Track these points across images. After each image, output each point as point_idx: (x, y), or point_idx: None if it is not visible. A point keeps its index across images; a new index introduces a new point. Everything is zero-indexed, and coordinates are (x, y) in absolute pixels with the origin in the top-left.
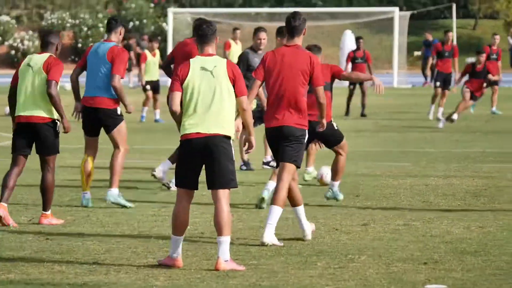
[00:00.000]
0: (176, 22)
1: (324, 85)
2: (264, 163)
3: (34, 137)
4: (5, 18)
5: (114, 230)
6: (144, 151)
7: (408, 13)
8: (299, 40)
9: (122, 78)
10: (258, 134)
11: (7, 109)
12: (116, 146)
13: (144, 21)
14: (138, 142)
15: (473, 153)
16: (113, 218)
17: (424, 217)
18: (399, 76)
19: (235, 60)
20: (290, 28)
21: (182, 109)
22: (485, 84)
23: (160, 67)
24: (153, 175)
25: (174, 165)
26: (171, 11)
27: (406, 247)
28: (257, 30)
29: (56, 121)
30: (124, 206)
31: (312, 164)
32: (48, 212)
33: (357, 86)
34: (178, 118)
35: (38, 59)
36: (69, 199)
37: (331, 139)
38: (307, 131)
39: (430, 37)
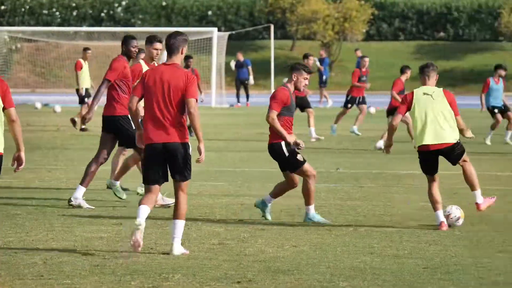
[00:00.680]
0: None
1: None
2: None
3: None
4: None
5: None
6: None
7: (226, 34)
8: (177, 59)
9: None
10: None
11: None
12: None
13: None
14: None
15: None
16: None
17: (238, 236)
18: (217, 96)
19: (83, 78)
20: (167, 47)
21: None
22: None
23: None
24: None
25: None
26: None
27: (220, 266)
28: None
29: None
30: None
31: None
32: None
33: None
34: None
35: None
36: None
37: (287, 165)
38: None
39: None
